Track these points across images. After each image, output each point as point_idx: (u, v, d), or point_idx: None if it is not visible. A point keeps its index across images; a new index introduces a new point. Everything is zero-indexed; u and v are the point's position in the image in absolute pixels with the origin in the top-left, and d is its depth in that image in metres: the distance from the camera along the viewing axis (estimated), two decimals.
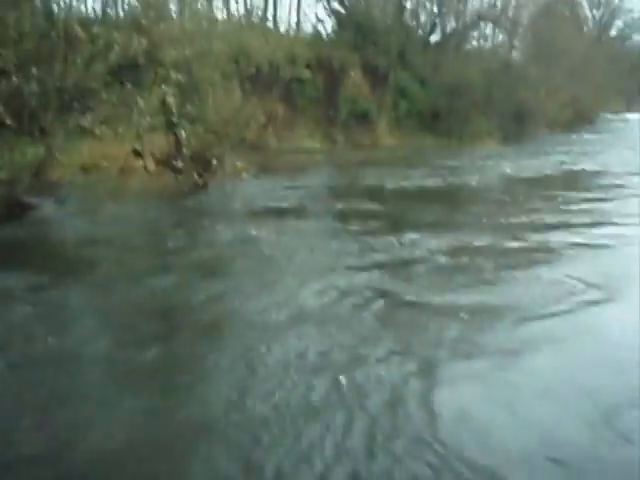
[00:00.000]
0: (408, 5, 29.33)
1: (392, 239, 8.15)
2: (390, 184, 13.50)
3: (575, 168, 17.05)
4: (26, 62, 7.97)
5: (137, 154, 10.88)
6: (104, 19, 10.82)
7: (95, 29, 8.68)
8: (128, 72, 8.89)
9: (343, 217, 10.10)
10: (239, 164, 12.71)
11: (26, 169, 9.05)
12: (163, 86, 9.24)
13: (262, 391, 4.08)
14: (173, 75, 8.72)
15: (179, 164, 11.22)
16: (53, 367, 4.49)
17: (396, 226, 9.14)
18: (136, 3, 11.61)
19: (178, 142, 11.54)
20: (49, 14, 9.41)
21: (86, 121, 8.72)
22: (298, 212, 10.31)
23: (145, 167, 11.26)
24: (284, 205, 10.78)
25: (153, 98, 9.62)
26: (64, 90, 7.77)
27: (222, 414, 3.84)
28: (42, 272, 6.74)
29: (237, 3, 25.95)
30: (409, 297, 5.96)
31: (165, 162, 11.52)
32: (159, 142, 11.90)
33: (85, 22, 9.57)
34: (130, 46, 8.65)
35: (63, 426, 3.71)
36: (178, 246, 7.94)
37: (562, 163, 17.94)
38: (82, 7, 12.90)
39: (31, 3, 9.15)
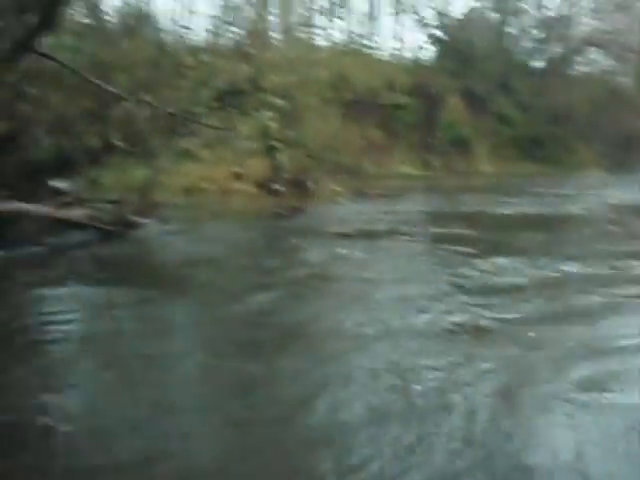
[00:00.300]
0: (510, 31, 28.96)
1: (485, 264, 7.99)
2: (488, 210, 13.26)
3: None
4: (137, 88, 8.48)
5: (237, 177, 11.24)
6: (211, 47, 11.31)
7: (202, 57, 9.10)
8: (231, 97, 9.23)
9: (436, 240, 10.01)
10: (335, 188, 12.88)
11: (134, 190, 9.54)
12: (263, 111, 9.53)
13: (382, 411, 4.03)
14: (273, 101, 8.99)
15: (277, 187, 11.49)
16: (159, 373, 4.70)
17: (491, 251, 8.93)
18: (241, 32, 12.10)
19: (277, 166, 11.82)
20: (160, 43, 9.95)
21: (191, 144, 9.11)
22: (391, 234, 10.31)
23: (244, 190, 11.60)
24: (378, 228, 10.81)
25: (253, 123, 9.94)
26: (171, 115, 8.16)
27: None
28: (145, 287, 7.04)
29: (340, 31, 26.48)
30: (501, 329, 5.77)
31: (264, 185, 11.84)
32: (259, 165, 12.27)
33: (193, 50, 10.07)
34: (234, 73, 9.00)
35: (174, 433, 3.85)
36: (275, 265, 8.11)
37: None
38: (191, 36, 13.62)
39: (144, 33, 9.70)
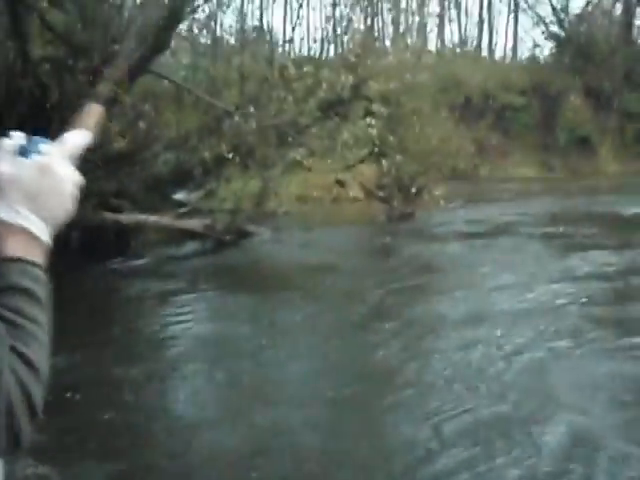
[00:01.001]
0: (637, 22, 27.38)
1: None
2: (618, 210, 12.62)
3: None
4: (247, 102, 8.86)
5: (341, 184, 11.40)
6: (317, 58, 11.58)
7: (306, 68, 9.31)
8: (336, 106, 9.40)
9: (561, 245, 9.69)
10: (443, 194, 12.76)
11: (246, 200, 9.92)
12: (368, 119, 9.63)
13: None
14: (378, 108, 9.08)
15: (386, 193, 11.55)
16: (265, 370, 4.96)
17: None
18: (349, 41, 12.28)
19: (384, 172, 11.88)
20: (270, 57, 10.31)
21: (298, 155, 9.36)
22: (508, 234, 10.15)
23: (353, 197, 11.74)
24: (490, 230, 10.67)
25: (358, 131, 10.05)
26: (279, 127, 8.45)
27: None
28: (259, 292, 7.39)
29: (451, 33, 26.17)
30: None
31: (373, 191, 11.93)
32: (367, 172, 12.38)
33: (298, 62, 10.34)
34: (338, 82, 9.17)
35: None
36: (389, 267, 8.24)
37: None
38: (300, 48, 13.97)
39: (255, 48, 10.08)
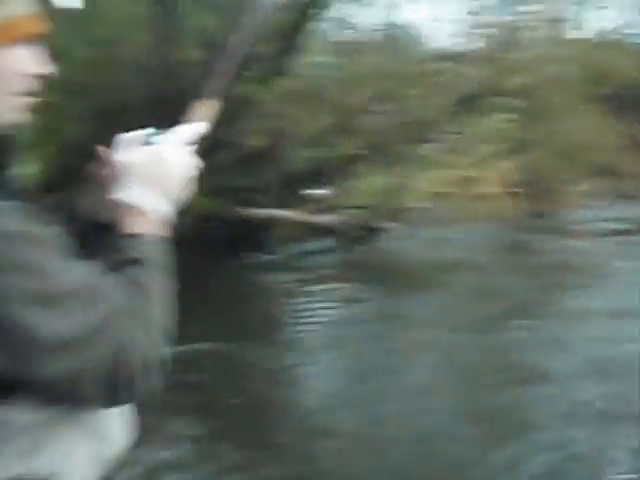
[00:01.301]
0: None
1: None
2: None
3: None
4: (381, 98, 8.92)
5: (480, 180, 11.15)
6: (453, 53, 11.39)
7: (441, 64, 9.18)
8: (472, 101, 9.21)
9: None
10: (587, 190, 12.13)
11: (380, 196, 9.97)
12: (504, 114, 9.36)
13: None
14: (515, 102, 8.79)
15: (524, 190, 11.17)
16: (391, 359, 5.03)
17: None
18: (488, 35, 11.93)
19: (521, 168, 11.50)
20: (405, 53, 10.28)
21: (433, 150, 9.29)
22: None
23: (489, 193, 11.45)
24: (626, 228, 10.11)
25: (495, 126, 9.78)
26: (414, 123, 8.42)
27: None
28: (389, 286, 7.50)
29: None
30: None
31: (509, 188, 11.57)
32: (504, 168, 12.02)
33: (435, 57, 10.23)
34: (474, 77, 8.99)
35: None
36: (525, 264, 8.05)
37: None
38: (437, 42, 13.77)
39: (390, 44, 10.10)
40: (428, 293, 7.16)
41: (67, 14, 8.47)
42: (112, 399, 0.98)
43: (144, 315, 0.98)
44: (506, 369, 4.87)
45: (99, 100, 8.05)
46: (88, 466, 1.06)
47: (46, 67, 1.04)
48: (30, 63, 1.01)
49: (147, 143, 1.13)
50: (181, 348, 5.19)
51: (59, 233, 0.98)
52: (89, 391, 0.94)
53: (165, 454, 3.76)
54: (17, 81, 1.00)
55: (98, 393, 0.94)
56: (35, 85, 1.03)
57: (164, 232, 1.09)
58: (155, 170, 1.09)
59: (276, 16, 7.08)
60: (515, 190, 11.34)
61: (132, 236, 1.04)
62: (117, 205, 1.07)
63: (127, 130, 1.17)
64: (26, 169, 4.30)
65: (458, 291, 7.25)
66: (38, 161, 8.49)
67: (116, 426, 1.10)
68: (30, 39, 1.01)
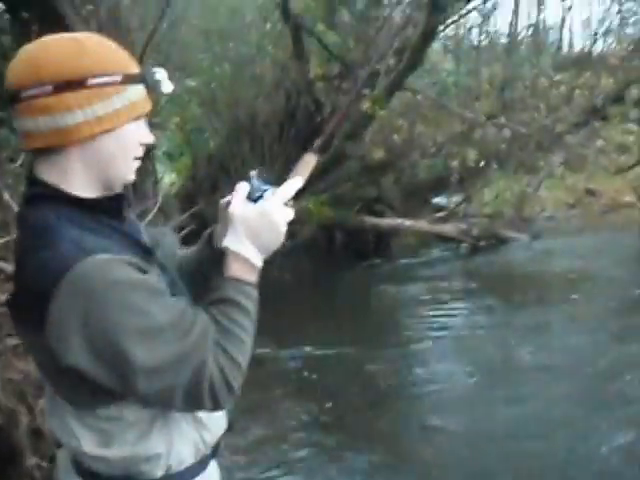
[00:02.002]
0: None
1: None
2: None
3: None
4: (496, 112, 8.92)
5: (590, 193, 10.75)
6: (585, 57, 11.01)
7: (557, 76, 8.96)
8: (595, 112, 8.92)
9: None
10: None
11: (506, 205, 9.88)
12: (628, 124, 8.98)
13: None
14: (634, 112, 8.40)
15: None
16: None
17: None
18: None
19: None
20: (535, 62, 10.11)
21: (558, 160, 9.10)
22: None
23: (628, 202, 10.95)
24: None
25: (626, 135, 9.39)
26: (535, 134, 8.29)
27: None
28: (509, 296, 7.50)
29: None
30: None
31: None
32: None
33: (562, 64, 9.94)
34: (595, 87, 8.72)
35: None
36: None
37: None
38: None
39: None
40: (558, 304, 7.11)
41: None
42: (197, 408, 1.26)
43: (228, 343, 1.22)
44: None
45: (235, 116, 8.60)
46: (189, 449, 1.36)
47: (151, 137, 1.33)
48: (144, 134, 1.30)
49: (259, 197, 1.32)
50: (307, 349, 5.61)
51: (158, 277, 1.26)
52: (178, 403, 1.21)
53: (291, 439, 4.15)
54: (137, 149, 1.30)
55: (185, 404, 1.22)
56: (143, 151, 1.32)
57: (256, 279, 1.31)
58: (263, 228, 1.30)
59: (400, 35, 7.31)
60: None
61: (232, 279, 1.28)
62: (226, 249, 1.30)
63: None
64: (165, 179, 4.96)
65: (592, 301, 7.13)
66: (178, 172, 9.27)
67: (215, 415, 1.40)
68: (144, 115, 1.30)
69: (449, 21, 8.17)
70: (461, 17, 9.22)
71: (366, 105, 6.70)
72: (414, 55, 6.82)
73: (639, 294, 7.20)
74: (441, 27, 7.42)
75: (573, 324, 6.40)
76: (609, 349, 5.48)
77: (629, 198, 10.72)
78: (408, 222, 8.81)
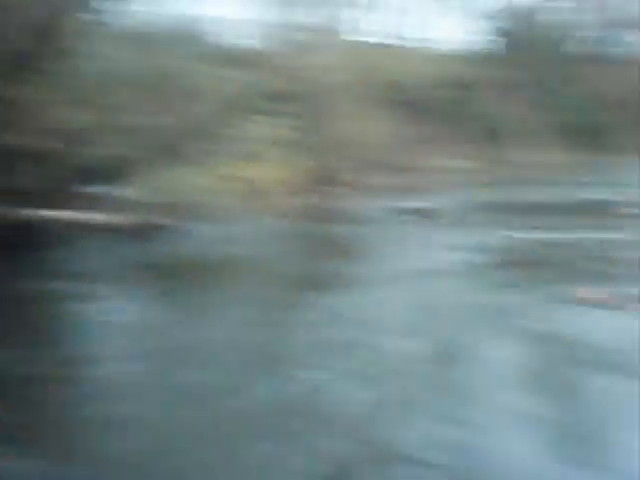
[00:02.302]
0: (558, 19, 28.34)
1: None
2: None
3: None
4: (152, 99, 9.00)
5: (248, 181, 11.58)
6: (230, 55, 11.63)
7: (199, 67, 9.33)
8: (249, 104, 9.53)
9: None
10: (365, 185, 13.08)
11: (158, 194, 9.97)
12: (282, 114, 9.80)
13: None
14: (286, 105, 9.23)
15: (302, 187, 11.75)
16: None
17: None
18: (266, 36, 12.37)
19: (304, 167, 12.09)
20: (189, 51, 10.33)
21: (210, 150, 9.48)
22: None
23: (273, 190, 11.87)
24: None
25: (267, 128, 10.18)
26: (188, 123, 8.52)
27: None
28: (159, 284, 7.56)
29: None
30: None
31: (291, 186, 12.11)
32: (287, 167, 12.54)
33: (210, 58, 10.40)
34: (253, 80, 9.31)
35: None
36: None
37: None
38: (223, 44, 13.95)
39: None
40: (198, 290, 7.33)
41: None
42: None
43: None
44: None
45: None
46: None
47: None
48: None
49: None
50: None
51: None
52: None
53: None
54: None
55: None
56: None
57: None
58: None
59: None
60: (299, 187, 11.87)
61: None
62: None
63: None
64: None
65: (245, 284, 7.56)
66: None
67: None
68: None
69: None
70: None
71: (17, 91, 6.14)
72: (57, 39, 6.44)
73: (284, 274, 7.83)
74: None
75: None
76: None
77: (281, 186, 11.61)
78: (59, 213, 8.36)
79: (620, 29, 28.33)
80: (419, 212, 11.88)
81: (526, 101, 24.74)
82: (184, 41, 12.41)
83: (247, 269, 8.26)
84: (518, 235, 9.89)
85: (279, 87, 10.53)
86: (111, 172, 9.29)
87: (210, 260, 8.90)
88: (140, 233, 9.42)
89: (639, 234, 9.72)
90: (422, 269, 7.96)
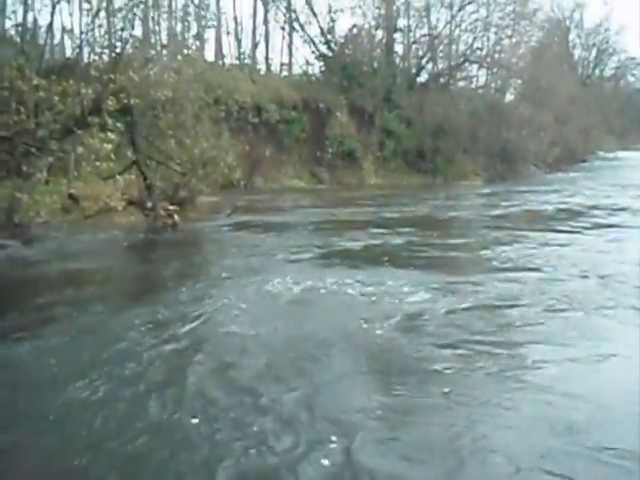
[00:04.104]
0: (396, 48, 30.17)
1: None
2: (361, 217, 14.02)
3: (535, 206, 17.13)
4: None
5: (74, 199, 11.33)
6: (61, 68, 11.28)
7: (36, 81, 9.00)
8: (82, 120, 9.29)
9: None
10: (210, 204, 13.16)
11: None
12: (120, 132, 9.67)
13: None
14: (120, 121, 9.13)
15: (148, 204, 11.60)
16: None
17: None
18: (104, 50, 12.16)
19: (146, 184, 11.96)
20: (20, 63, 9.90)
21: (42, 166, 9.11)
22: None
23: (115, 207, 11.62)
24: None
25: (110, 143, 9.99)
26: (20, 136, 8.16)
27: None
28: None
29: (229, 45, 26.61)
30: None
31: (135, 202, 11.93)
32: (131, 184, 12.33)
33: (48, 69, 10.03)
34: (85, 95, 9.09)
35: None
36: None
37: (528, 201, 18.15)
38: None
39: None
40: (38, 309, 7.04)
41: None
42: None
43: None
44: None
45: None
46: None
47: None
48: None
49: None
50: None
51: None
52: None
53: None
54: None
55: None
56: None
57: None
58: None
59: None
60: (141, 204, 11.71)
61: None
62: None
63: None
64: None
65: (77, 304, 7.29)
66: None
67: None
68: None
69: None
70: None
71: None
72: None
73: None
74: None
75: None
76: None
77: (114, 203, 11.38)
78: None
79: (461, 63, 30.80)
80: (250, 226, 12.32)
81: (368, 125, 26.08)
82: (16, 52, 11.86)
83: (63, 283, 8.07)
84: None
85: (120, 102, 10.37)
86: None
87: (42, 278, 8.57)
88: None
89: None
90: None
